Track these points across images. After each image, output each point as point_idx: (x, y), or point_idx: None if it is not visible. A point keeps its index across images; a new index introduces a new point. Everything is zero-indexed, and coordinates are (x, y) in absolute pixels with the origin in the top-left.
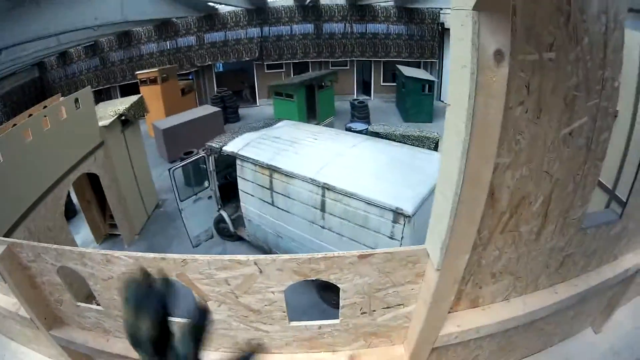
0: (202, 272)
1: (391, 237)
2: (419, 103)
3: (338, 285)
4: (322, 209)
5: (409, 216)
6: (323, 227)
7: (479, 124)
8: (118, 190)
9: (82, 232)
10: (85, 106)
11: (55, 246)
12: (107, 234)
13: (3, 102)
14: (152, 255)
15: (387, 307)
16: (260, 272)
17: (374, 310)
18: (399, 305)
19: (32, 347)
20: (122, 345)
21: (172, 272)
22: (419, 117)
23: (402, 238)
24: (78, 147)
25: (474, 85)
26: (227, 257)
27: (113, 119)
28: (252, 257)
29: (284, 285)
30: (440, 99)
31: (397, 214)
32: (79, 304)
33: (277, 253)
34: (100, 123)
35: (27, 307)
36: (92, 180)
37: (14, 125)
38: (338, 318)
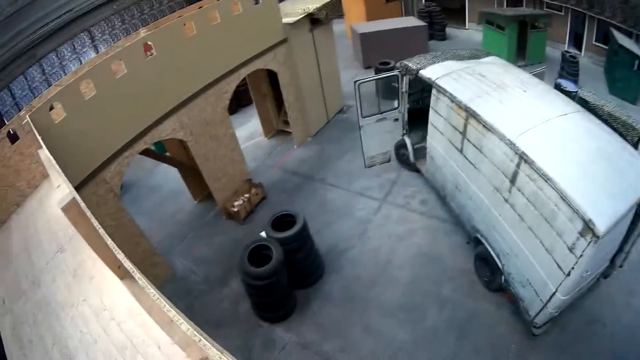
0: None
1: (571, 250)
2: (627, 78)
3: None
4: (513, 180)
5: (598, 237)
6: (506, 201)
7: None
8: (297, 90)
9: (253, 122)
10: (266, 1)
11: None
12: (279, 130)
13: None
14: None
15: None
16: None
17: None
18: None
19: None
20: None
21: None
22: (625, 93)
23: (580, 256)
24: (254, 43)
25: None
26: None
27: (300, 17)
28: None
29: None
30: None
31: (587, 227)
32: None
33: (451, 204)
34: (285, 20)
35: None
36: (271, 74)
37: (179, 16)
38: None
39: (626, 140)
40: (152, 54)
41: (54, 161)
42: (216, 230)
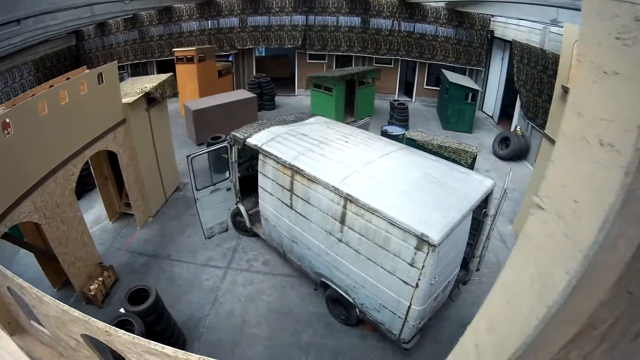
0: (130, 348)
1: (411, 265)
2: (460, 111)
3: None
4: (342, 221)
5: (435, 245)
6: (340, 241)
7: None
8: (136, 171)
9: (97, 207)
10: (108, 81)
11: (0, 267)
12: (122, 213)
13: (36, 67)
14: (77, 313)
15: None
16: None
17: None
18: None
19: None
20: None
21: (99, 337)
22: (459, 125)
23: (422, 267)
24: (97, 124)
25: None
26: (154, 344)
27: (138, 96)
28: (182, 354)
29: None
30: (482, 109)
31: (422, 240)
32: (32, 322)
33: (291, 258)
34: (124, 100)
35: None
36: (111, 156)
37: (32, 95)
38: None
39: (461, 164)
40: (9, 133)
41: None
42: None
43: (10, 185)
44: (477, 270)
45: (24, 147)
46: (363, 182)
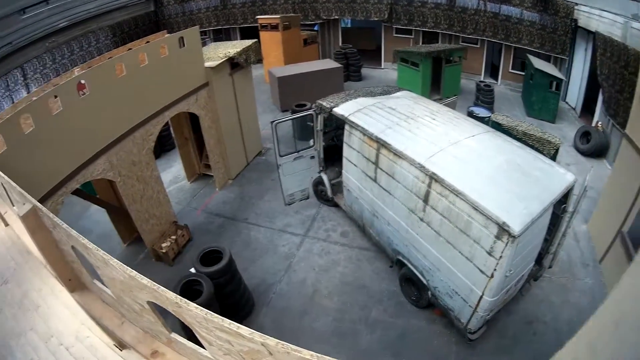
0: (201, 323)
1: (489, 253)
2: (544, 99)
3: None
4: (425, 200)
5: (515, 236)
6: (422, 220)
7: None
8: (218, 134)
9: (176, 167)
10: (190, 45)
11: (65, 226)
12: (201, 174)
13: (113, 32)
14: (145, 281)
15: None
16: (270, 354)
17: None
18: None
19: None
20: (134, 333)
21: (168, 307)
22: (543, 114)
23: (500, 257)
24: (178, 86)
25: None
26: (227, 322)
27: (221, 61)
28: (258, 336)
29: None
30: (565, 100)
31: (503, 229)
32: (95, 281)
33: (370, 232)
34: (207, 64)
35: (50, 266)
36: (193, 118)
37: (110, 57)
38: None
39: (543, 154)
40: (84, 93)
41: None
42: (146, 272)
43: (84, 143)
44: (550, 267)
45: (100, 107)
46: (449, 162)
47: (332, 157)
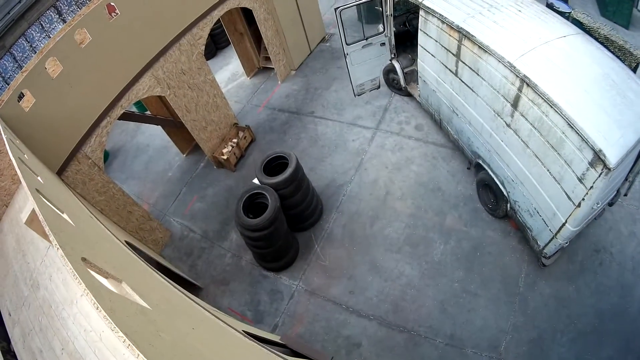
0: None
1: (580, 180)
2: (619, 1)
3: None
4: (514, 104)
5: (610, 168)
6: (508, 126)
7: None
8: (275, 24)
9: (233, 64)
10: None
11: None
12: (261, 67)
13: None
14: None
15: None
16: None
17: None
18: None
19: None
20: None
21: None
22: (616, 16)
23: (591, 187)
24: None
25: None
26: None
27: None
28: None
29: None
30: (637, 8)
31: (598, 158)
32: None
33: (448, 129)
34: None
35: None
36: (246, 11)
37: None
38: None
39: (625, 64)
40: (116, 14)
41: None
42: (208, 181)
43: (123, 66)
44: (625, 195)
45: (134, 25)
46: (542, 65)
47: (404, 43)
